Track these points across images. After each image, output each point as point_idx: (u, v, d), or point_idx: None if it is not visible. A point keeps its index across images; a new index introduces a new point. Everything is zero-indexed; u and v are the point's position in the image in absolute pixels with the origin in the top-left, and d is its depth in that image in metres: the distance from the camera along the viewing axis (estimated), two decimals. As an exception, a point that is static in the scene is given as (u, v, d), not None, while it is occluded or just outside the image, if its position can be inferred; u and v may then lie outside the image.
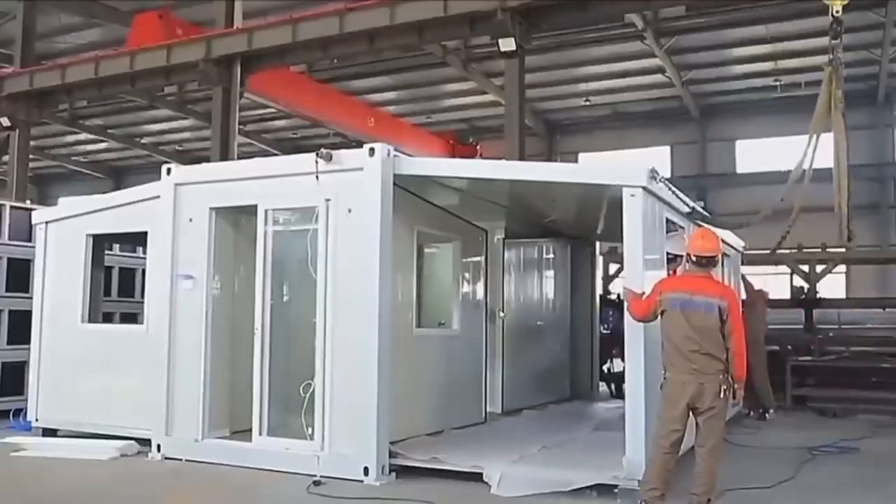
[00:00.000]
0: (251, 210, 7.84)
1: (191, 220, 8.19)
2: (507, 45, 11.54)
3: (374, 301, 7.07)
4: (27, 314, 9.67)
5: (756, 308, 11.25)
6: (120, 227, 9.23)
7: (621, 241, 6.67)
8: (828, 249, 14.56)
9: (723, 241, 10.01)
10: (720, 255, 6.18)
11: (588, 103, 23.51)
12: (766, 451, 8.65)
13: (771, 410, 11.25)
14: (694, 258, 6.04)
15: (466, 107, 24.15)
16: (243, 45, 13.59)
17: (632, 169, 6.89)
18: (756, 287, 11.88)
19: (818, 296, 14.03)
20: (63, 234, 9.45)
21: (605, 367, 13.28)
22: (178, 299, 8.14)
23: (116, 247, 11.89)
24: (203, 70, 13.73)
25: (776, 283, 16.47)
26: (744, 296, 10.77)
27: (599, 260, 14.10)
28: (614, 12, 13.78)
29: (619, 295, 13.59)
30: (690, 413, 5.81)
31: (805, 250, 14.60)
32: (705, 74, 21.47)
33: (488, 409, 9.90)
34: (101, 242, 9.66)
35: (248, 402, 7.64)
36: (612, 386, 13.18)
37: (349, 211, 7.31)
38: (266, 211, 7.75)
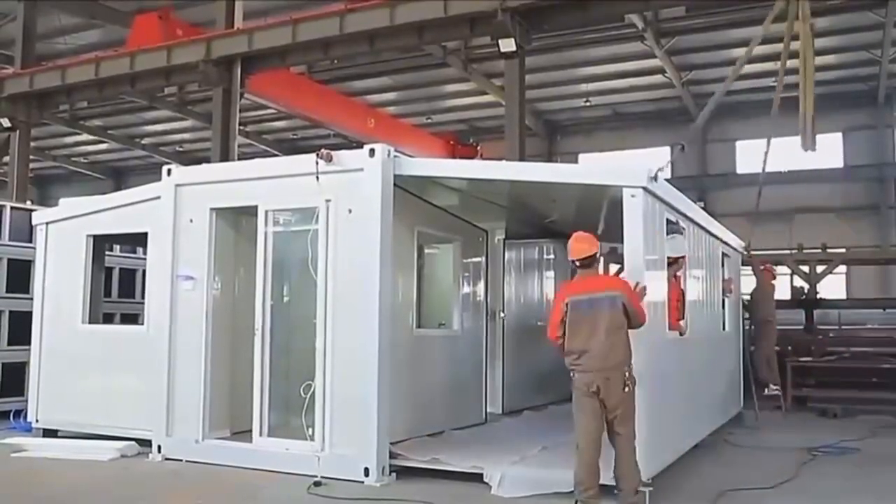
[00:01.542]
0: (251, 211, 7.85)
1: (191, 220, 8.20)
2: (508, 45, 11.53)
3: (374, 302, 7.07)
4: (27, 315, 9.68)
5: (765, 287, 11.39)
6: (120, 227, 9.23)
7: (622, 241, 6.66)
8: (828, 250, 14.58)
9: (723, 241, 10.06)
10: (598, 252, 6.11)
11: (588, 104, 23.48)
12: (767, 452, 8.65)
13: (772, 386, 11.21)
14: (577, 262, 5.99)
15: (467, 107, 24.15)
16: (243, 45, 13.60)
17: (632, 169, 6.89)
18: (761, 264, 11.90)
19: (818, 296, 14.01)
20: (63, 234, 9.45)
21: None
22: (179, 300, 8.15)
23: (117, 247, 11.90)
24: (203, 71, 13.73)
25: (776, 283, 16.46)
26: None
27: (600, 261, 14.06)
28: (614, 12, 13.77)
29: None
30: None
31: (805, 250, 14.61)
32: (705, 75, 21.43)
33: (489, 410, 9.92)
34: (101, 243, 9.67)
35: (249, 403, 7.65)
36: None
37: (349, 211, 7.31)
38: (266, 212, 7.76)
